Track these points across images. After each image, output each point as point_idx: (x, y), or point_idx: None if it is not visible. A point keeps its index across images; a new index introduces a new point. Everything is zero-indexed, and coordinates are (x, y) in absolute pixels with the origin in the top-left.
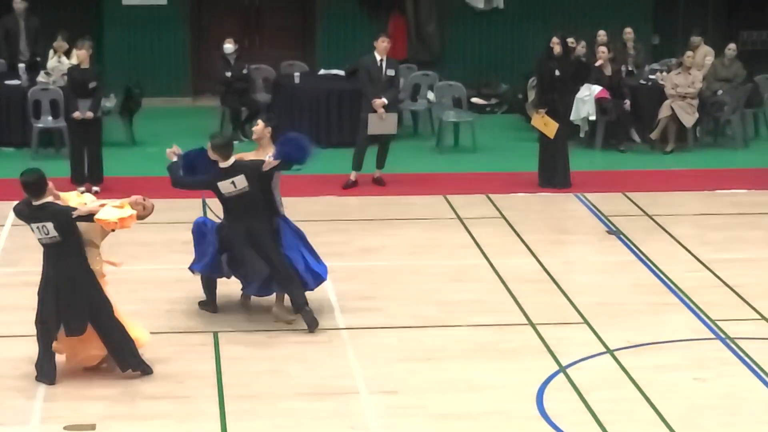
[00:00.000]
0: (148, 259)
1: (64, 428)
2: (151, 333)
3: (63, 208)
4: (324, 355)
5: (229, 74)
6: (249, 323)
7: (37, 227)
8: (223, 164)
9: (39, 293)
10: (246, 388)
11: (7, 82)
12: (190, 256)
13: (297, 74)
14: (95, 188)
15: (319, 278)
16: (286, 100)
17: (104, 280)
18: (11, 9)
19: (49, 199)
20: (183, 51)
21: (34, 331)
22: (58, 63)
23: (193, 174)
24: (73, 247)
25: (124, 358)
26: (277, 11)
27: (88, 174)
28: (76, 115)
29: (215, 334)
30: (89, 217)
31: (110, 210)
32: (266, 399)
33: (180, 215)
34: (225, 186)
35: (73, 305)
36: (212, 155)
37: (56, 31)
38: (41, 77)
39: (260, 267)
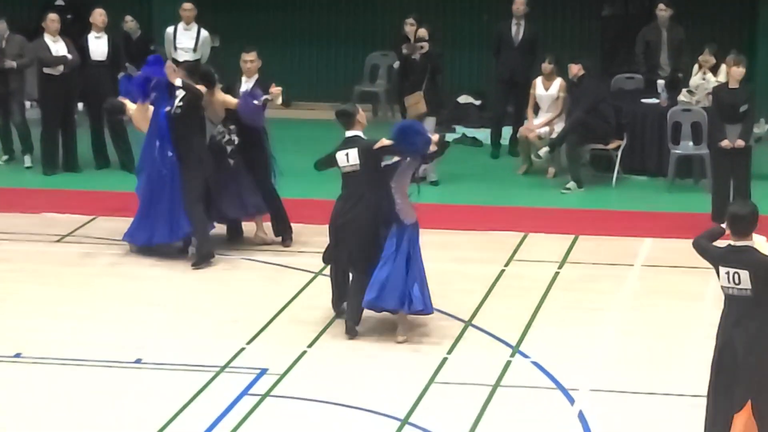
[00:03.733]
0: None
1: None
2: None
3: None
4: None
5: None
6: None
7: (726, 273)
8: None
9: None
10: None
11: (644, 100)
12: None
13: None
14: None
15: (381, 305)
16: None
17: None
18: (653, 17)
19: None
20: None
21: None
22: (703, 80)
23: None
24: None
25: None
26: None
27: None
28: (724, 143)
29: None
30: None
31: None
32: None
33: None
34: (340, 157)
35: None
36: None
37: (703, 44)
38: (682, 96)
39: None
